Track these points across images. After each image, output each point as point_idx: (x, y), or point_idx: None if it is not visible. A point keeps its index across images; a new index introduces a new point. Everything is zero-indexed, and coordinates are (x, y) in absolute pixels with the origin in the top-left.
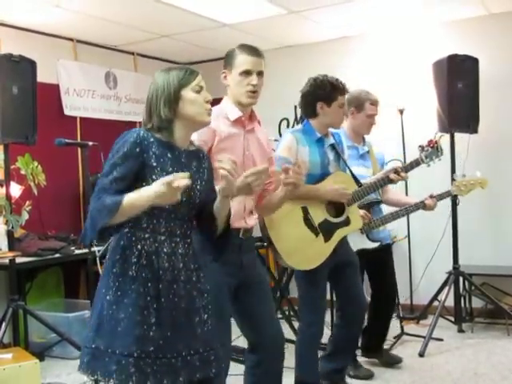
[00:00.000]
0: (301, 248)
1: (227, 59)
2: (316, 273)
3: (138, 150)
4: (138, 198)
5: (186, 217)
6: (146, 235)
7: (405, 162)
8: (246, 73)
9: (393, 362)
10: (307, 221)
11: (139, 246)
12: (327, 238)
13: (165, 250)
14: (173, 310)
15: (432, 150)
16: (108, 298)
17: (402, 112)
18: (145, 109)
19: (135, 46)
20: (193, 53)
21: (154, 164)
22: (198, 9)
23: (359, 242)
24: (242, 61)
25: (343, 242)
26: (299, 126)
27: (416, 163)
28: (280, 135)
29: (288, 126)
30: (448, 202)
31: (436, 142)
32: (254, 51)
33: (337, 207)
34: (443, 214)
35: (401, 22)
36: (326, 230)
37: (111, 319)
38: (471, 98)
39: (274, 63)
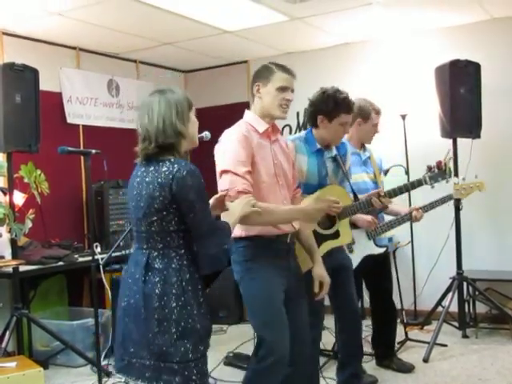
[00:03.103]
0: None
1: (263, 73)
2: None
3: None
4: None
5: None
6: (182, 251)
7: (407, 167)
8: (283, 89)
9: (405, 370)
10: None
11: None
12: None
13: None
14: None
15: (439, 172)
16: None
17: (404, 117)
18: (155, 125)
19: (137, 53)
20: (195, 60)
21: None
22: (200, 16)
23: (367, 248)
24: (280, 77)
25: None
26: (302, 133)
27: (418, 183)
28: None
29: (290, 133)
30: (451, 207)
31: (445, 164)
32: (290, 70)
33: (330, 219)
34: (446, 219)
35: (402, 28)
36: None
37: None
38: (473, 103)
39: None
